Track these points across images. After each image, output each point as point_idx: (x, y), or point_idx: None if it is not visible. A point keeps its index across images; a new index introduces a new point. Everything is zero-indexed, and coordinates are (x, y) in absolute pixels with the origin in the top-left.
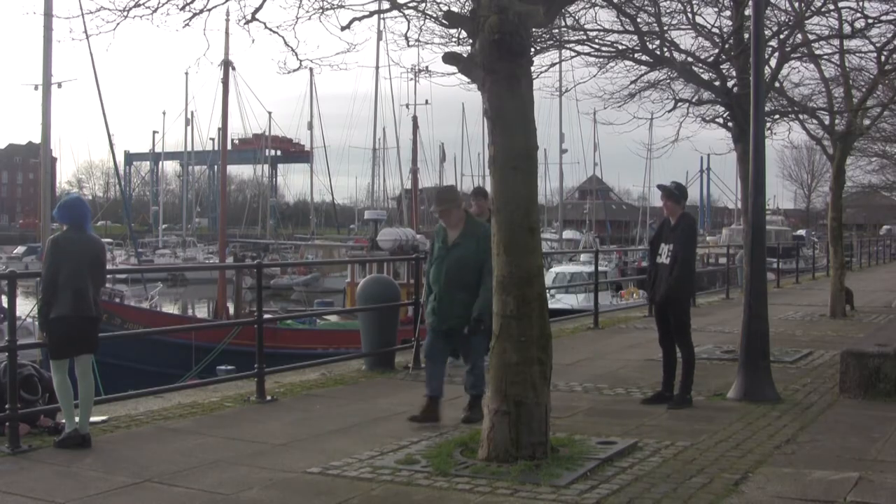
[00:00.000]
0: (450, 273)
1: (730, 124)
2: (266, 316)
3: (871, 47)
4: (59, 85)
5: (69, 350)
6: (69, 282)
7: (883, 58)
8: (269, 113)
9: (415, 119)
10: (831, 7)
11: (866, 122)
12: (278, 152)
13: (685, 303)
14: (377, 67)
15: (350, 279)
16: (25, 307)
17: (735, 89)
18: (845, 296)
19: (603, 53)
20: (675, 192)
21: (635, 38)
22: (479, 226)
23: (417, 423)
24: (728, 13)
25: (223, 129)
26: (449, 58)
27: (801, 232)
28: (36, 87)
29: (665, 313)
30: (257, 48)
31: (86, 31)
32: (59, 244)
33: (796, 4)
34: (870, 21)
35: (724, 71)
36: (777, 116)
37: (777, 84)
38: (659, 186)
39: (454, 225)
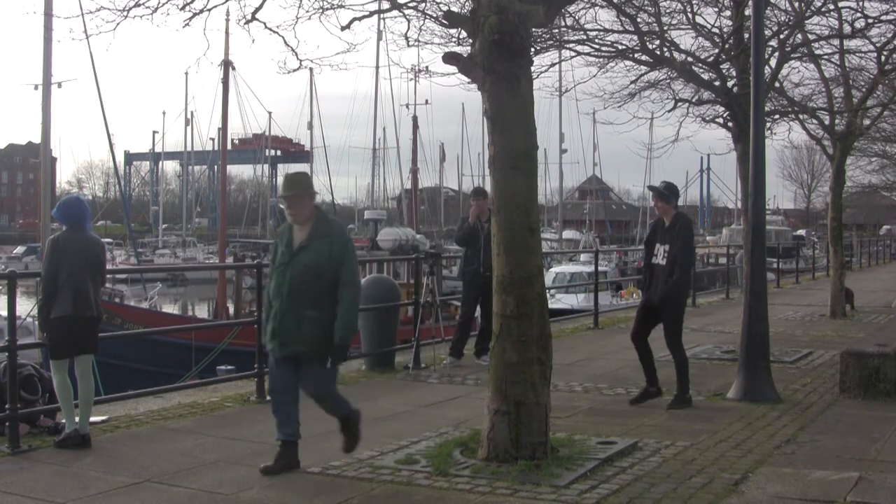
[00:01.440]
0: (295, 284)
1: (730, 124)
2: None
3: (871, 47)
4: (59, 85)
5: (70, 350)
6: (69, 281)
7: (883, 58)
8: (269, 113)
9: (415, 119)
10: (831, 7)
11: (866, 122)
12: (278, 152)
13: (681, 306)
14: (377, 67)
15: None
16: (25, 307)
17: (735, 89)
18: (846, 296)
19: (603, 53)
20: (665, 193)
21: (635, 38)
22: (331, 224)
23: (271, 474)
24: (728, 13)
25: (223, 129)
26: (449, 58)
27: (801, 232)
28: (36, 87)
29: (655, 313)
30: (257, 48)
31: (86, 31)
32: (59, 244)
33: (796, 4)
34: (870, 21)
35: (724, 71)
36: (777, 116)
37: (777, 84)
38: (649, 188)
39: (303, 221)
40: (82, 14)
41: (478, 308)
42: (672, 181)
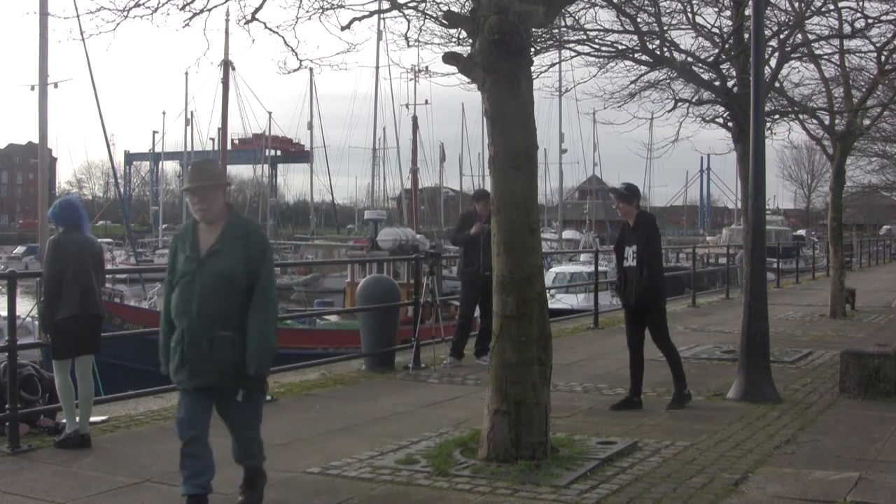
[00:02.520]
0: (205, 298)
1: (730, 124)
2: None
3: (871, 47)
4: (56, 85)
5: (73, 350)
6: (76, 281)
7: (883, 58)
8: (269, 113)
9: (415, 119)
10: (831, 7)
11: (866, 122)
12: (278, 152)
13: (661, 303)
14: (377, 67)
15: (350, 279)
16: (25, 307)
17: (735, 89)
18: (847, 296)
19: (603, 53)
20: (625, 194)
21: (635, 38)
22: (247, 224)
23: None
24: (728, 13)
25: (223, 129)
26: (449, 58)
27: (801, 232)
28: (32, 88)
29: (640, 316)
30: (257, 48)
31: (82, 32)
32: (61, 244)
33: (796, 4)
34: (870, 21)
35: (724, 71)
36: (777, 116)
37: (777, 84)
38: (609, 190)
39: (213, 220)
40: (78, 15)
41: (477, 308)
42: (630, 183)
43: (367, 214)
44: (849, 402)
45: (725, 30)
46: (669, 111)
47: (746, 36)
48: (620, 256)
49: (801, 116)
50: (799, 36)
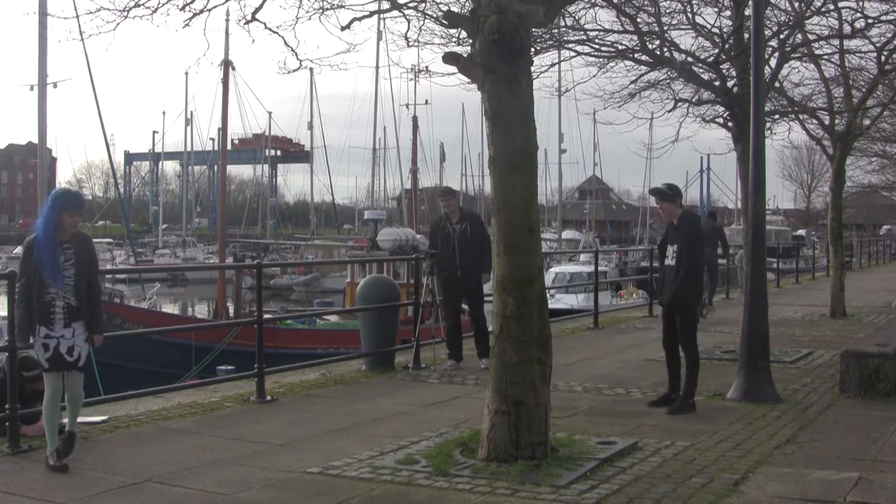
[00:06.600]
0: None
1: (730, 124)
2: (266, 316)
3: (871, 47)
4: (55, 85)
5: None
6: (96, 279)
7: (883, 58)
8: (269, 113)
9: (415, 119)
10: (831, 7)
11: (866, 122)
12: (278, 152)
13: (692, 305)
14: (377, 67)
15: (350, 279)
16: None
17: (735, 89)
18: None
19: (603, 53)
20: (668, 193)
21: (635, 38)
22: None
23: None
24: (728, 13)
25: (223, 129)
26: (449, 58)
27: (801, 232)
28: (31, 88)
29: (673, 315)
30: (257, 48)
31: (81, 33)
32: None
33: (796, 4)
34: (870, 21)
35: (724, 71)
36: (777, 116)
37: (777, 84)
38: (651, 190)
39: None
40: (77, 15)
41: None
42: (672, 182)
43: (367, 214)
44: (849, 402)
45: (725, 30)
46: (669, 111)
47: (746, 36)
48: (662, 255)
49: (801, 116)
50: (799, 36)
